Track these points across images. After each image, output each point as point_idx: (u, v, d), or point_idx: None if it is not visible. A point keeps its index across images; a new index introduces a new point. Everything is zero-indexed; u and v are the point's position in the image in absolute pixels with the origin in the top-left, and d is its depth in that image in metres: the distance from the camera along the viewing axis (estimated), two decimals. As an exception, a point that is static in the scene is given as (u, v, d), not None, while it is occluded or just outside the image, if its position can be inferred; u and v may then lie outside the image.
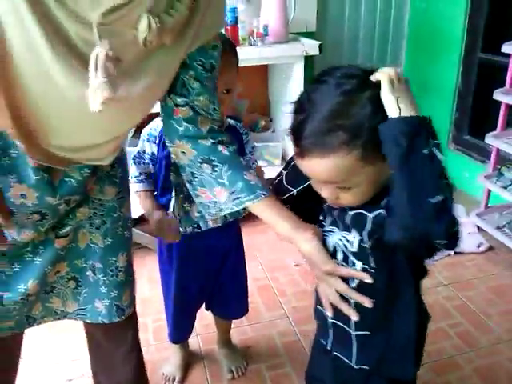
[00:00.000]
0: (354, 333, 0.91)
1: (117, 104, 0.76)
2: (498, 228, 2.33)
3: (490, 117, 2.78)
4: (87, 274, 1.02)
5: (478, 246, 2.35)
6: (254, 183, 0.91)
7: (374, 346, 0.91)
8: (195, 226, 1.32)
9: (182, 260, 1.42)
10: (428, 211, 0.69)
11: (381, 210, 0.79)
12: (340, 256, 0.87)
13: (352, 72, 0.78)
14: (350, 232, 0.85)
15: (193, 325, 1.61)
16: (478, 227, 2.44)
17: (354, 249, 0.84)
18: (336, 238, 0.87)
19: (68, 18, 0.68)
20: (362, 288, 0.85)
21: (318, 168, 0.77)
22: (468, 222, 2.46)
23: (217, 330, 1.73)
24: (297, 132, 0.78)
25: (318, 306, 0.97)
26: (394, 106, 0.72)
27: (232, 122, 1.39)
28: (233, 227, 1.48)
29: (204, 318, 1.76)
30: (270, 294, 2.06)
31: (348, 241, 0.85)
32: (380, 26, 3.13)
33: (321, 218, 0.94)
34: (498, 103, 2.38)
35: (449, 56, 2.86)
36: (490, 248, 2.34)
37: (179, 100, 0.91)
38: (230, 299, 1.57)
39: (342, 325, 0.92)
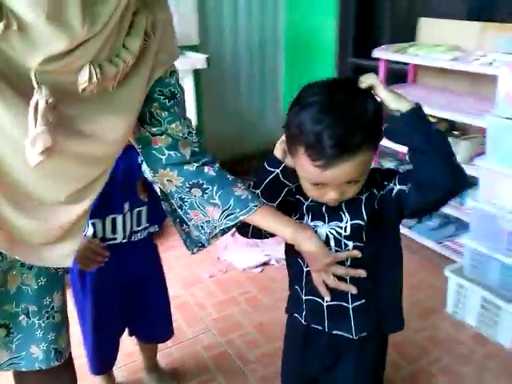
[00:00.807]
0: (351, 306, 1.01)
1: (63, 153, 0.74)
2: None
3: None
4: (19, 319, 0.94)
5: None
6: (244, 197, 0.92)
7: (369, 313, 1.02)
8: (200, 245, 1.24)
9: (96, 284, 1.37)
10: (460, 169, 0.87)
11: (373, 190, 0.94)
12: (332, 243, 0.97)
13: (338, 82, 0.92)
14: (340, 220, 0.95)
15: (116, 351, 1.54)
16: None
17: (347, 232, 0.95)
18: (325, 229, 0.97)
19: (9, 65, 0.65)
20: (354, 262, 0.96)
21: (345, 171, 0.85)
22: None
23: (142, 356, 1.67)
24: (320, 144, 0.82)
25: (309, 297, 1.04)
26: (395, 100, 0.86)
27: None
28: (149, 246, 1.46)
29: (125, 348, 1.69)
30: (190, 309, 2.05)
31: (340, 227, 0.95)
32: (258, 36, 3.28)
33: (295, 218, 1.01)
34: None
35: (324, 62, 3.09)
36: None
37: (154, 130, 0.90)
38: (154, 322, 1.53)
39: (337, 303, 1.01)
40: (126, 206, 1.32)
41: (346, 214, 0.95)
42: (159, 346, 1.70)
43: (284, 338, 1.20)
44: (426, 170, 0.86)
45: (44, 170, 0.76)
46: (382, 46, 2.39)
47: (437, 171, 0.84)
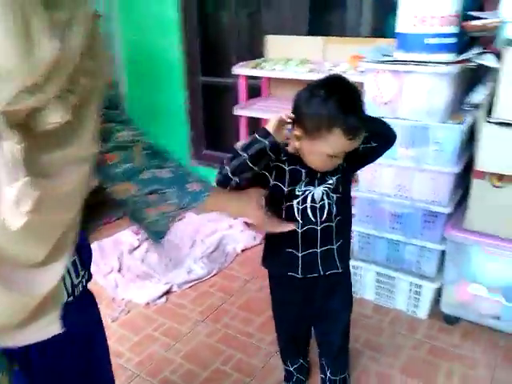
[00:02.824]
0: (335, 246, 1.33)
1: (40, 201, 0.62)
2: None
3: (223, 130, 3.19)
4: None
5: (254, 239, 2.68)
6: (198, 190, 1.00)
7: (345, 248, 1.38)
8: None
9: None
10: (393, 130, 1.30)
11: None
12: (325, 197, 1.27)
13: (331, 79, 1.22)
14: (327, 181, 1.26)
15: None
16: (247, 224, 2.77)
17: (334, 186, 1.27)
18: (320, 189, 1.26)
19: None
20: (338, 205, 1.29)
21: (359, 140, 1.16)
22: (237, 223, 2.78)
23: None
24: (354, 120, 1.12)
25: (304, 252, 1.31)
26: None
27: None
28: (90, 297, 1.30)
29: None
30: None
31: (330, 184, 1.27)
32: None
33: (287, 189, 1.26)
34: (228, 118, 2.78)
35: (173, 81, 3.10)
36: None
37: (105, 146, 0.86)
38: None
39: (327, 247, 1.31)
40: None
41: (329, 174, 1.26)
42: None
43: (276, 293, 1.48)
44: (379, 128, 1.28)
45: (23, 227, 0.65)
46: (241, 63, 2.52)
47: (385, 127, 1.29)
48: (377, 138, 1.25)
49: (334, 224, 1.30)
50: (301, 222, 1.28)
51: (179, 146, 3.28)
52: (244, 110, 2.56)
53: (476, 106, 1.89)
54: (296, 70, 2.33)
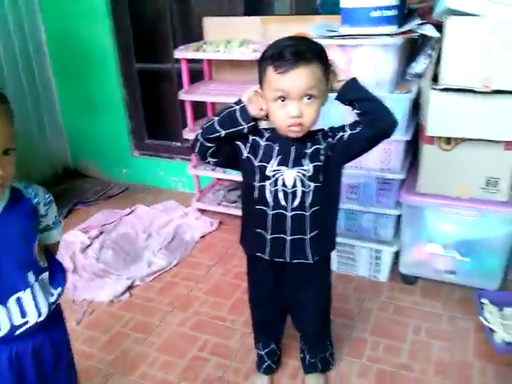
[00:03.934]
0: (308, 236, 1.28)
1: None
2: (219, 204, 2.72)
3: (165, 118, 3.11)
4: None
5: (211, 225, 2.67)
6: None
7: (320, 240, 1.31)
8: None
9: None
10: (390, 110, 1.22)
11: (329, 139, 1.24)
12: (299, 183, 1.23)
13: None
14: (302, 165, 1.22)
15: None
16: (202, 210, 2.75)
17: (310, 173, 1.22)
18: (293, 173, 1.22)
19: None
20: (316, 195, 1.23)
21: (301, 77, 1.11)
22: (191, 210, 2.75)
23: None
24: (282, 55, 1.10)
25: (274, 235, 1.29)
26: (343, 73, 1.22)
27: (17, 184, 1.11)
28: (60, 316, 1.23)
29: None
30: (80, 366, 1.77)
31: (305, 170, 1.22)
32: (21, 53, 2.91)
33: (258, 164, 1.24)
34: (170, 105, 2.73)
35: (107, 72, 2.97)
36: (221, 223, 2.70)
37: None
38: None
39: (298, 236, 1.28)
40: (31, 277, 1.06)
41: (307, 159, 1.22)
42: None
43: (250, 274, 1.47)
44: (373, 109, 1.20)
45: None
46: (181, 47, 2.46)
47: (381, 108, 1.20)
48: (367, 121, 1.19)
49: (307, 214, 1.25)
50: (271, 204, 1.26)
51: (120, 137, 3.17)
52: (188, 95, 2.51)
53: (418, 76, 1.99)
54: (240, 50, 2.31)
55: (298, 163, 1.22)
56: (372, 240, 2.09)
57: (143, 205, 2.87)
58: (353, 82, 1.21)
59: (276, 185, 1.24)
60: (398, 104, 1.81)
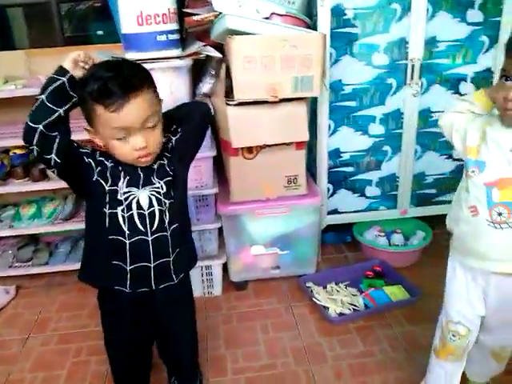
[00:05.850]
0: (171, 258, 1.21)
1: None
2: (10, 267, 2.32)
3: None
4: None
5: (7, 293, 2.26)
6: None
7: (183, 256, 1.25)
8: None
9: None
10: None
11: (166, 154, 1.21)
12: (155, 203, 1.16)
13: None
14: (153, 184, 1.16)
15: None
16: None
17: (164, 190, 1.17)
18: (146, 193, 1.15)
19: None
20: (172, 212, 1.18)
21: (137, 109, 1.04)
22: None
23: None
24: (109, 90, 1.01)
25: (134, 265, 1.17)
26: None
27: None
28: None
29: None
30: None
31: (158, 188, 1.16)
32: None
33: (108, 188, 1.13)
34: None
35: None
36: (19, 287, 2.30)
37: None
38: None
39: (163, 260, 1.19)
40: None
41: (155, 176, 1.16)
42: None
43: (103, 312, 1.30)
44: (184, 111, 1.27)
45: None
46: None
47: (188, 106, 1.33)
48: (182, 122, 1.24)
49: (168, 233, 1.19)
50: (127, 232, 1.14)
51: None
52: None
53: (207, 95, 2.09)
54: (7, 87, 2.03)
55: (148, 182, 1.16)
56: (200, 258, 2.09)
57: None
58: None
59: (130, 209, 1.14)
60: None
